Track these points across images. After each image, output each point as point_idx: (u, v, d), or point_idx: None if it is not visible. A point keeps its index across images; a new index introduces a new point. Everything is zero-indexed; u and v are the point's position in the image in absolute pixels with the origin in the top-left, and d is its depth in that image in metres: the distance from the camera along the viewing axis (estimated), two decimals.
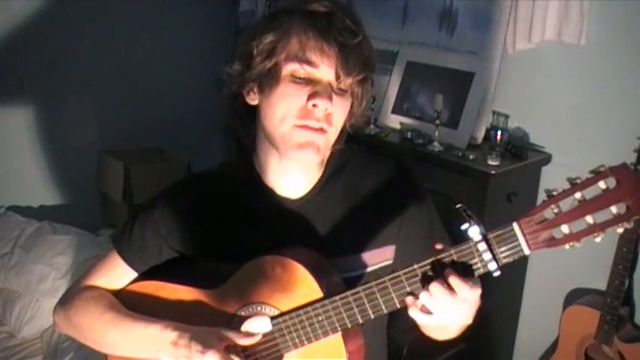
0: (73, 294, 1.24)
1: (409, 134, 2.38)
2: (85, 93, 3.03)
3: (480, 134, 2.34)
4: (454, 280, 0.93)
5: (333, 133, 1.10)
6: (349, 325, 1.03)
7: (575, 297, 2.23)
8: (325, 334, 1.04)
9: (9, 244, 2.58)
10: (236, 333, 1.07)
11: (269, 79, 1.07)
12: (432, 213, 1.22)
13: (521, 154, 2.22)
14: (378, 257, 1.17)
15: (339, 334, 1.05)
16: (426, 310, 0.96)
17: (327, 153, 1.15)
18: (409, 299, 0.97)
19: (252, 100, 1.12)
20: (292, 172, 1.15)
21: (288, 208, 1.16)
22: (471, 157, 2.19)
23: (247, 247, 1.12)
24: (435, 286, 0.93)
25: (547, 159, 2.28)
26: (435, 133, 2.29)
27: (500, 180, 2.13)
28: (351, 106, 1.12)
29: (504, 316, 2.44)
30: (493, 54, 2.31)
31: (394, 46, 2.63)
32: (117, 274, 1.23)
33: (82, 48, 2.97)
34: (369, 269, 1.17)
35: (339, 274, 1.12)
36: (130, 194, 2.92)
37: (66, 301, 1.24)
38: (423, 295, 0.95)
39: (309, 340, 1.06)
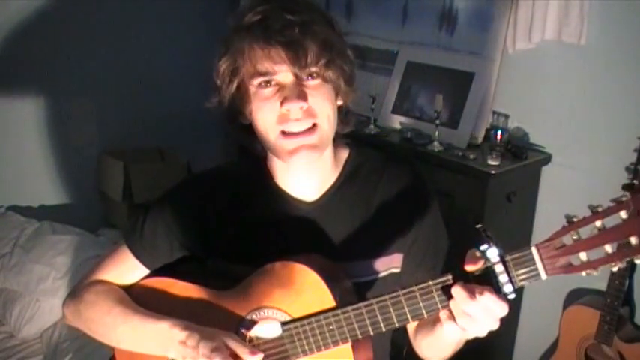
0: (84, 287, 1.25)
1: (409, 134, 2.38)
2: (85, 93, 3.03)
3: (480, 134, 2.34)
4: (490, 298, 0.93)
5: (325, 122, 1.10)
6: (360, 336, 1.03)
7: (575, 297, 2.23)
8: (335, 343, 1.04)
9: (9, 244, 2.59)
10: (243, 346, 1.06)
11: (242, 100, 1.12)
12: (438, 221, 1.22)
13: (521, 154, 2.22)
14: (387, 264, 1.17)
15: (348, 344, 1.05)
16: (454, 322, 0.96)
17: (330, 141, 1.14)
18: (442, 314, 0.97)
19: (244, 120, 1.16)
20: (301, 174, 1.15)
21: (301, 211, 1.17)
22: (471, 157, 2.19)
23: (259, 249, 1.12)
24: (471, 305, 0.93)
25: (547, 159, 2.28)
26: (435, 133, 2.29)
27: (500, 180, 2.13)
28: (336, 88, 1.12)
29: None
30: (493, 54, 2.31)
31: (394, 46, 2.63)
32: (127, 269, 1.24)
33: (82, 48, 2.97)
34: (378, 275, 1.17)
35: (350, 280, 1.13)
36: (129, 194, 2.92)
37: (76, 294, 1.25)
38: (458, 313, 0.94)
39: (319, 348, 1.06)
